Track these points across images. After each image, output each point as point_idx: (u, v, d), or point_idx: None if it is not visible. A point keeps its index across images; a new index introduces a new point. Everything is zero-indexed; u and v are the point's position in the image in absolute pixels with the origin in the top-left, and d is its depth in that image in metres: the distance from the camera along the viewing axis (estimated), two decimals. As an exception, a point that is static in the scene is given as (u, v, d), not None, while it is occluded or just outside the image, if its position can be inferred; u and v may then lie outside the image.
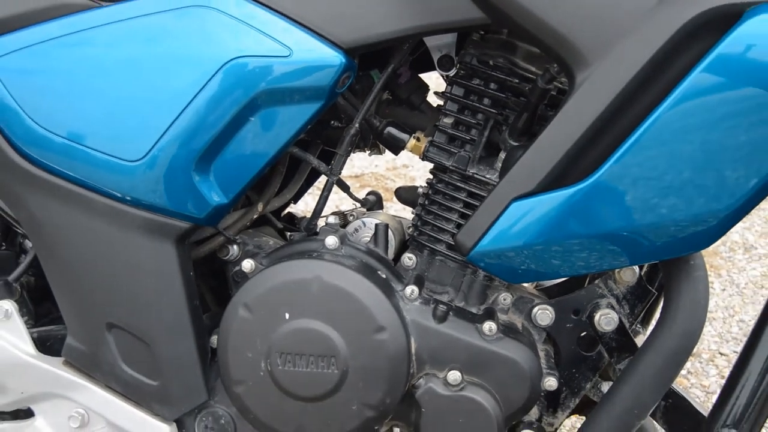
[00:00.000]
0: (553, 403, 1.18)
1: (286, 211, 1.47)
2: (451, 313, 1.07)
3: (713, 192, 0.94)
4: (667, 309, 1.05)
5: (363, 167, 3.86)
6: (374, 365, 1.03)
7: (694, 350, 2.12)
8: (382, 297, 1.04)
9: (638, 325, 1.25)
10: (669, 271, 1.06)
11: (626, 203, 0.95)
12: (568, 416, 1.21)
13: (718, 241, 3.08)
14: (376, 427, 1.06)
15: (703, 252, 1.05)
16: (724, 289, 2.76)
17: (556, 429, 1.20)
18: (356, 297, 1.03)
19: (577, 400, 1.17)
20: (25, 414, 1.17)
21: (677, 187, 0.94)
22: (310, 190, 1.50)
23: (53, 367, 1.12)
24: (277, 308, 1.04)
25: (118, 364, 1.11)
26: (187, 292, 1.08)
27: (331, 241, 1.08)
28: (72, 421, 1.13)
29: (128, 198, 1.05)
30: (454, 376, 1.05)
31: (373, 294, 1.04)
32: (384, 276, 1.08)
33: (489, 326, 1.06)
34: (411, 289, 1.07)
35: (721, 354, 2.33)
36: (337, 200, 2.85)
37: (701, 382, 2.20)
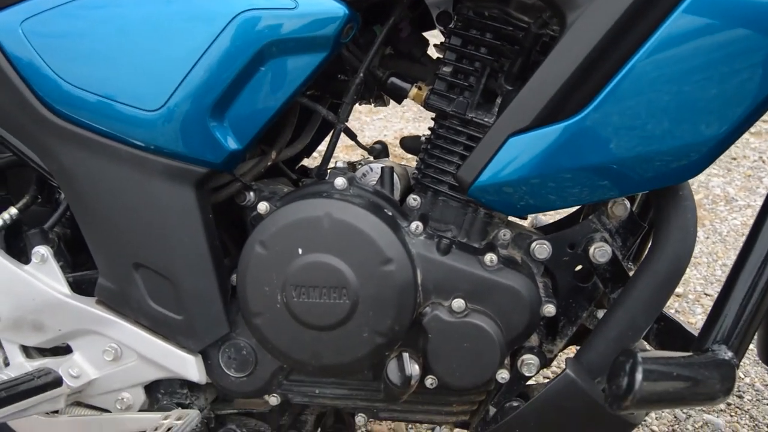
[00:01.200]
0: (552, 331, 1.15)
1: (299, 165, 1.43)
2: (454, 246, 1.04)
3: (698, 124, 0.91)
4: (658, 236, 1.01)
5: (373, 137, 3.82)
6: (383, 295, 1.00)
7: (681, 291, 2.08)
8: (389, 231, 1.00)
9: (629, 263, 1.21)
10: (659, 201, 1.01)
11: (616, 136, 0.92)
12: (565, 345, 1.17)
13: (701, 194, 3.03)
14: (386, 353, 1.03)
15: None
16: (707, 237, 2.71)
17: (555, 356, 1.17)
18: (364, 231, 0.99)
19: (575, 329, 1.14)
20: (64, 351, 1.15)
21: (664, 119, 0.90)
22: (320, 147, 1.46)
23: (87, 306, 1.09)
24: (291, 244, 1.01)
25: (146, 301, 1.08)
26: (207, 232, 1.05)
27: (340, 181, 1.05)
28: (106, 354, 1.10)
29: (150, 146, 1.02)
30: (458, 303, 1.01)
31: (380, 228, 1.00)
32: (390, 213, 1.04)
33: (490, 257, 1.03)
34: (416, 225, 1.04)
35: (706, 294, 2.29)
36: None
37: (688, 319, 2.16)
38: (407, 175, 1.23)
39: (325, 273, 1.00)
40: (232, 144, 1.01)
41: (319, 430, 1.21)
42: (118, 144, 1.03)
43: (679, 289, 2.23)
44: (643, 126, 0.90)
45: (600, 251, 1.06)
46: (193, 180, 1.03)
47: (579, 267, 1.12)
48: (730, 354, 0.91)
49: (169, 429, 1.00)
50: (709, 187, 3.03)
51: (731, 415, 1.81)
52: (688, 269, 2.43)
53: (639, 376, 0.80)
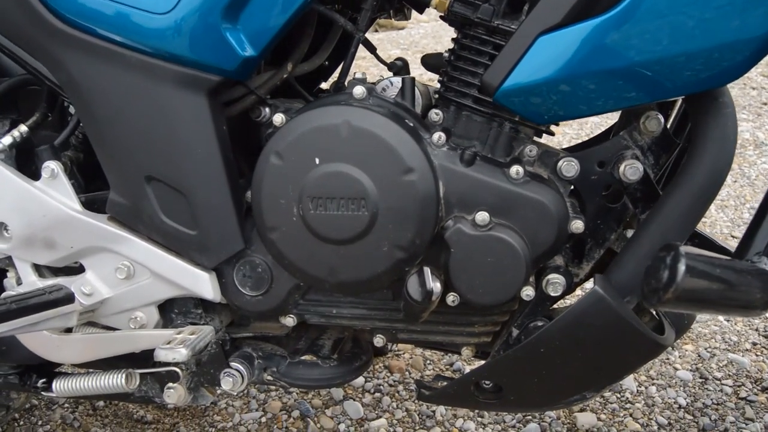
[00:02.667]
0: (578, 253, 1.09)
1: (316, 88, 1.37)
2: (478, 158, 0.98)
3: (743, 19, 0.84)
4: (695, 146, 0.94)
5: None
6: (403, 207, 0.95)
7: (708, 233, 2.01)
8: (410, 140, 0.95)
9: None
10: (696, 108, 0.95)
11: (654, 32, 0.85)
12: (592, 269, 1.12)
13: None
14: (406, 268, 0.98)
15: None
16: (735, 181, 2.62)
17: (581, 280, 1.12)
18: (384, 139, 0.94)
19: (602, 251, 1.08)
20: (78, 271, 1.11)
21: (707, 13, 0.83)
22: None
23: (99, 222, 1.05)
24: (308, 154, 0.96)
25: (158, 216, 1.03)
26: (220, 144, 1.00)
27: (359, 90, 0.99)
28: (119, 272, 1.06)
29: (161, 52, 0.97)
30: (482, 216, 0.96)
31: (401, 137, 0.95)
32: (411, 125, 0.99)
33: (516, 169, 0.97)
34: (438, 135, 0.98)
35: (733, 237, 2.22)
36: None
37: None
38: (428, 93, 1.16)
39: (344, 183, 0.95)
40: (246, 50, 0.96)
41: (336, 354, 1.17)
42: (128, 51, 0.98)
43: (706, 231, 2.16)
44: (684, 21, 0.84)
45: (631, 169, 1.00)
46: (205, 89, 0.98)
47: (608, 185, 1.05)
48: (770, 265, 0.85)
49: (182, 343, 0.96)
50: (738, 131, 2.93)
51: (756, 355, 1.75)
52: (715, 212, 2.37)
53: (682, 267, 0.75)
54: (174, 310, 1.11)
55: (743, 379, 1.66)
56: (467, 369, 1.70)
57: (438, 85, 1.05)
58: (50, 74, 1.07)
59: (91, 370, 1.16)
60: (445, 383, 1.13)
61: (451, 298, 1.00)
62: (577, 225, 1.00)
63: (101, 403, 1.62)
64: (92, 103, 1.02)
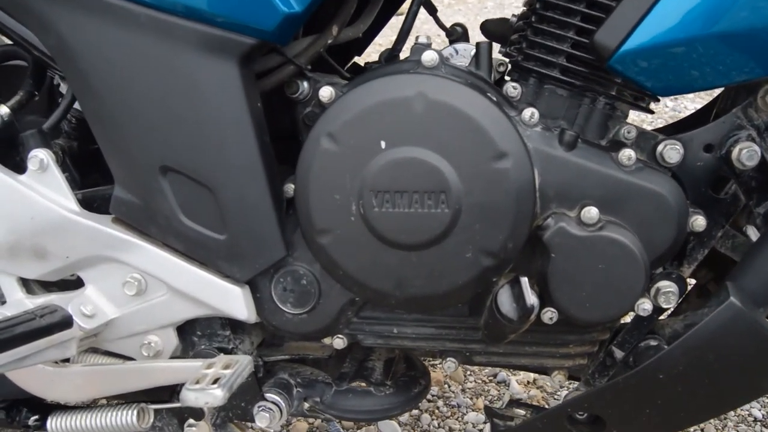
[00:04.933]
0: (678, 254, 0.89)
1: (351, 63, 1.15)
2: (580, 140, 0.77)
3: None
4: None
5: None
6: (493, 202, 0.74)
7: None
8: (502, 117, 0.74)
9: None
10: None
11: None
12: (693, 273, 0.92)
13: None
14: (494, 279, 0.78)
15: None
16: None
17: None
18: (471, 116, 0.73)
19: (706, 252, 0.88)
20: (75, 285, 0.89)
21: None
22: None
23: (101, 225, 0.83)
24: (371, 136, 0.75)
25: (177, 216, 0.82)
26: (255, 124, 0.79)
27: (429, 56, 0.78)
28: (127, 288, 0.85)
29: (180, 7, 0.75)
30: (589, 213, 0.75)
31: (491, 113, 0.74)
32: (495, 99, 0.77)
33: (628, 154, 0.77)
34: (531, 113, 0.77)
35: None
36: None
37: None
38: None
39: (418, 173, 0.74)
40: (288, 5, 0.74)
41: (390, 379, 0.96)
42: (136, 6, 0.76)
43: None
44: None
45: (747, 153, 0.80)
46: (236, 54, 0.77)
47: (715, 172, 0.85)
48: None
49: (215, 381, 0.74)
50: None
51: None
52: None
53: None
54: (197, 333, 0.89)
55: (819, 385, 1.48)
56: (513, 380, 1.50)
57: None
58: (36, 40, 0.84)
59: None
60: (522, 412, 0.93)
61: (549, 315, 0.79)
62: (699, 222, 0.80)
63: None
64: (90, 74, 0.80)
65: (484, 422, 1.39)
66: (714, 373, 0.78)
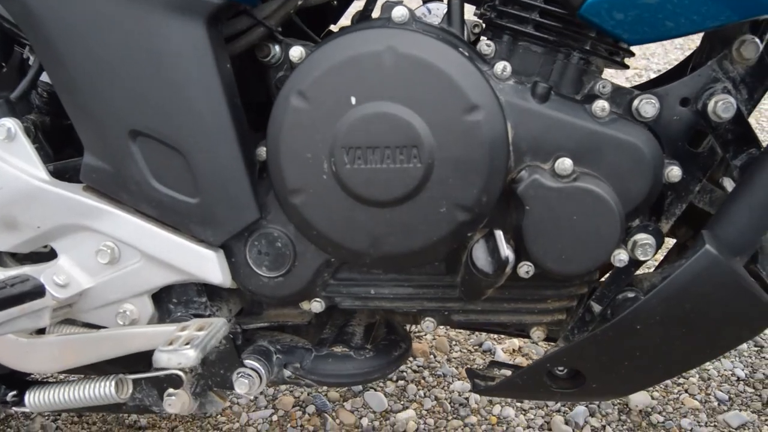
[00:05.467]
0: (656, 209, 0.89)
1: (325, 31, 1.14)
2: (553, 92, 0.77)
3: None
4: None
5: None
6: (466, 155, 0.74)
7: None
8: (473, 70, 0.73)
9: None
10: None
11: None
12: (673, 231, 0.92)
13: None
14: (468, 234, 0.77)
15: None
16: None
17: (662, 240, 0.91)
18: (441, 69, 0.72)
19: (684, 206, 0.88)
20: (48, 258, 0.88)
21: None
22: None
23: (72, 193, 0.82)
24: (340, 92, 0.74)
25: (148, 181, 0.81)
26: (225, 86, 0.77)
27: (399, 12, 0.76)
28: (100, 256, 0.84)
29: (142, -34, 0.73)
30: (563, 164, 0.75)
31: (462, 66, 0.73)
32: (467, 54, 0.76)
33: (601, 105, 0.77)
34: (503, 66, 0.77)
35: None
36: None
37: None
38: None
39: (389, 128, 0.73)
40: (254, -40, 0.73)
41: (370, 343, 0.96)
42: (99, -34, 0.74)
43: None
44: None
45: (723, 105, 0.79)
46: (204, 13, 0.76)
47: (692, 126, 0.85)
48: None
49: (188, 342, 0.74)
50: None
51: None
52: None
53: None
54: (172, 300, 0.88)
55: (801, 344, 1.49)
56: (498, 349, 1.50)
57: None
58: (3, 10, 0.83)
59: (71, 377, 0.93)
60: (504, 371, 0.93)
61: (525, 269, 0.79)
62: (674, 172, 0.80)
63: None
64: (56, 41, 0.79)
65: (470, 391, 1.38)
66: (691, 323, 0.78)
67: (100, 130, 0.80)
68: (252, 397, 1.39)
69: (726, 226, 0.79)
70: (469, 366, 1.46)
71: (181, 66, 0.76)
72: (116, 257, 0.84)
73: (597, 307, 0.85)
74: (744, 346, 1.48)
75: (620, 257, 0.79)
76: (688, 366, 0.87)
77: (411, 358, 1.47)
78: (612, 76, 2.67)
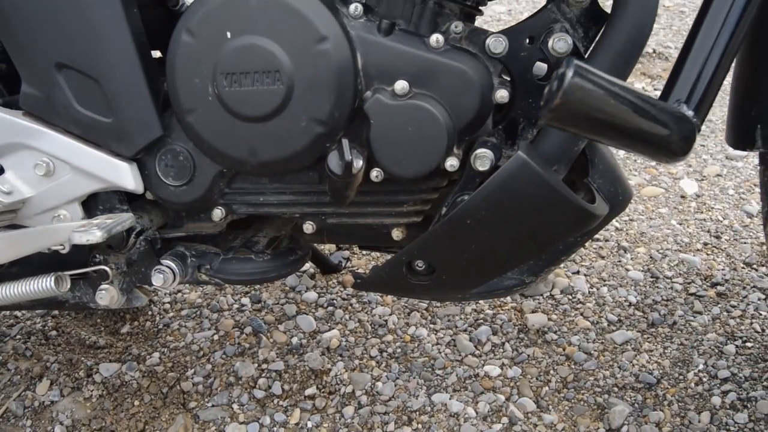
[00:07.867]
0: (511, 134, 1.06)
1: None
2: (397, 28, 0.95)
3: None
4: (617, 3, 0.91)
5: None
6: (320, 78, 0.92)
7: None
8: (323, 8, 0.91)
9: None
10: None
11: None
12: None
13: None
14: (327, 144, 0.95)
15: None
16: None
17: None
18: (294, 6, 0.90)
19: (535, 132, 1.05)
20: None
21: None
22: None
23: (13, 117, 1.01)
24: (218, 28, 0.92)
25: (73, 106, 1.00)
26: (131, 25, 0.96)
27: (269, -36, 0.94)
28: (38, 169, 1.03)
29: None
30: (401, 85, 0.93)
31: (313, 4, 0.91)
32: (326, -1, 0.95)
33: (436, 38, 0.94)
34: (355, 6, 0.94)
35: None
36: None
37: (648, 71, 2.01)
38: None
39: (257, 56, 0.92)
40: None
41: (271, 249, 1.14)
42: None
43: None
44: None
45: (560, 42, 0.97)
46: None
47: (538, 60, 1.02)
48: (690, 112, 0.83)
49: (96, 225, 0.93)
50: None
51: (707, 254, 1.75)
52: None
53: (570, 72, 0.72)
54: (99, 207, 1.07)
55: (693, 276, 1.66)
56: (420, 281, 1.68)
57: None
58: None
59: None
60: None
61: (375, 173, 0.97)
62: (502, 94, 0.97)
63: (54, 332, 1.59)
64: (-6, -12, 0.97)
65: (390, 314, 1.57)
66: (512, 219, 0.95)
67: (32, 64, 0.99)
68: (197, 319, 1.59)
69: (544, 140, 0.96)
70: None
71: (92, 7, 0.95)
72: (51, 170, 1.03)
73: (444, 210, 1.03)
74: (640, 276, 1.65)
75: (451, 163, 0.97)
76: (519, 260, 1.03)
77: (341, 288, 1.66)
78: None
